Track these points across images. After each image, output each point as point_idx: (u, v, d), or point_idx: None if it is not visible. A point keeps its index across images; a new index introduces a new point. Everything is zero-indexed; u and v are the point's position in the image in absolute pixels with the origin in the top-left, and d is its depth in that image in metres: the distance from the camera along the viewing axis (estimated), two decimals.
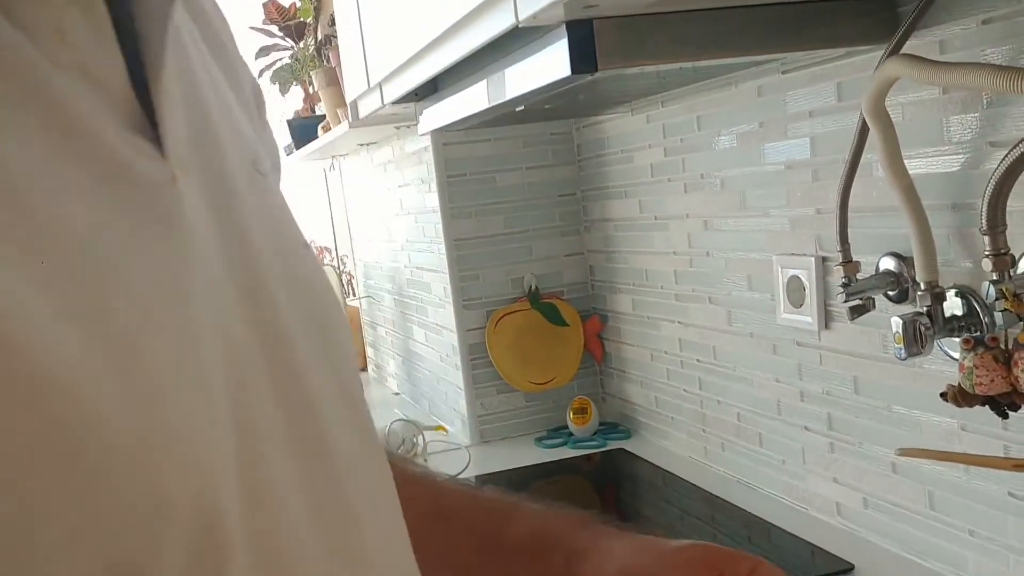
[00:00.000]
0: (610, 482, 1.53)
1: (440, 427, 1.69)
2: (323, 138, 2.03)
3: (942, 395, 0.93)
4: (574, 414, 1.66)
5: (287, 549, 0.34)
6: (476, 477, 1.54)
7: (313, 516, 0.36)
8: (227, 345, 0.34)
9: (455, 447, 1.66)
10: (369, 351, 2.52)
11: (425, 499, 0.53)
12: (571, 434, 1.68)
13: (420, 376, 2.05)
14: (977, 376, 0.88)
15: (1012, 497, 0.92)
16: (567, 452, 1.62)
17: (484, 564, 0.56)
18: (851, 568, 1.05)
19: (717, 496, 1.31)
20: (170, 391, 0.30)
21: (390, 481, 0.44)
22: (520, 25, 0.86)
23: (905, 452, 0.85)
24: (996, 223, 0.84)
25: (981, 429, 0.94)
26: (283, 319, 0.38)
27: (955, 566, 1.00)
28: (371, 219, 2.27)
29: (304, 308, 0.40)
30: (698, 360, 1.43)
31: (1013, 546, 0.93)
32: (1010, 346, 0.87)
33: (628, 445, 1.62)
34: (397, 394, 2.23)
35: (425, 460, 1.62)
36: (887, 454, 1.08)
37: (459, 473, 1.52)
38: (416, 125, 1.40)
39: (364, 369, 2.51)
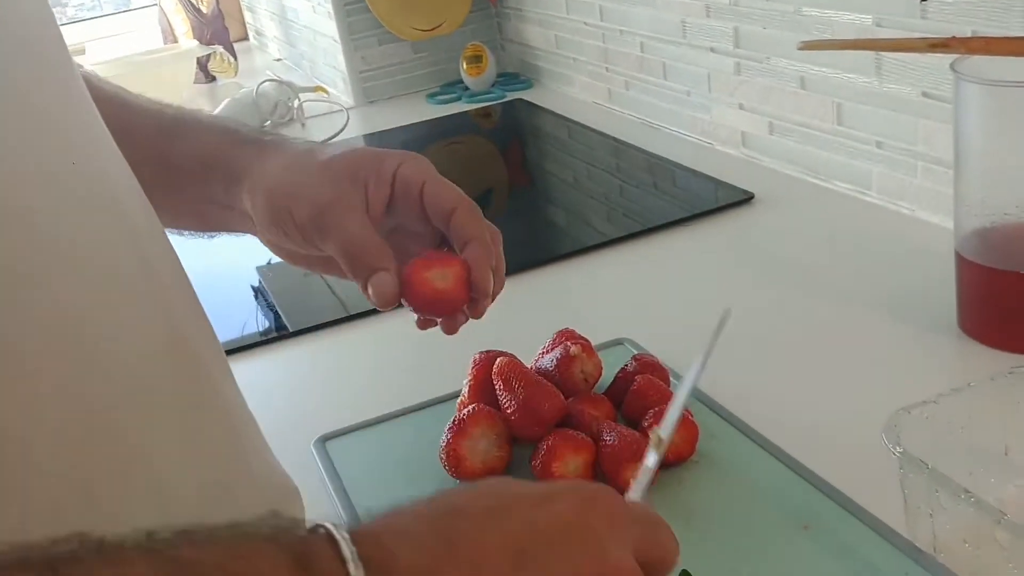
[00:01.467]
0: (511, 137, 1.41)
1: (319, 88, 1.53)
2: None
3: None
4: (468, 64, 1.50)
5: None
6: (363, 137, 1.41)
7: None
8: None
9: (336, 109, 1.51)
10: (247, 16, 2.27)
11: (112, 116, 0.46)
12: (466, 87, 1.53)
13: (297, 35, 1.84)
14: None
15: (926, 97, 0.82)
16: (463, 107, 1.48)
17: (156, 183, 0.50)
18: (751, 197, 0.96)
19: (622, 141, 1.21)
20: None
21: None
22: None
23: (809, 45, 0.72)
24: None
25: (898, 22, 0.81)
26: None
27: (858, 183, 0.92)
28: None
29: None
30: None
31: (921, 153, 0.84)
32: None
33: (528, 95, 1.48)
34: (279, 60, 2.03)
35: (303, 125, 1.47)
36: (795, 68, 0.96)
37: (335, 135, 1.38)
38: None
39: (244, 38, 2.27)
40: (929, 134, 0.82)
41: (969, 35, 0.73)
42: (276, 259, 1.02)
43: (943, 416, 0.50)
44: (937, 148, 0.82)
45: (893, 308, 0.71)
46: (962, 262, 0.65)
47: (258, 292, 0.95)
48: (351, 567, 0.27)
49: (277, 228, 0.51)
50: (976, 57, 0.62)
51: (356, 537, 0.28)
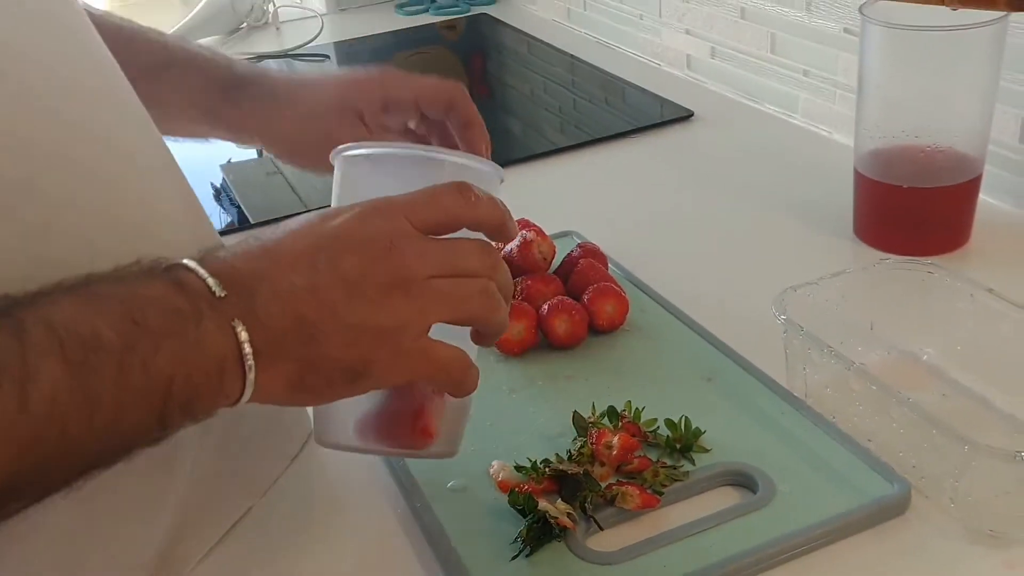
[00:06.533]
0: (474, 51, 1.49)
1: None
2: None
3: None
4: None
5: None
6: (334, 44, 1.47)
7: None
8: None
9: (310, 15, 1.57)
10: None
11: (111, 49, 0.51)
12: (433, 0, 1.60)
13: None
14: None
15: (847, 33, 0.92)
16: (430, 19, 1.56)
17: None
18: (690, 114, 1.07)
19: (578, 58, 1.30)
20: None
21: None
22: None
23: None
24: None
25: None
26: None
27: (786, 107, 1.03)
28: None
29: None
30: None
31: (840, 82, 0.95)
32: None
33: (492, 10, 1.56)
34: None
35: (277, 29, 1.53)
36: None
37: (310, 41, 1.45)
38: None
39: None
40: (848, 66, 0.93)
41: None
42: (238, 157, 1.10)
43: (822, 295, 0.62)
44: (854, 79, 0.92)
45: (802, 214, 0.83)
46: (858, 176, 0.77)
47: (220, 190, 1.01)
48: (208, 280, 0.39)
49: (296, 165, 0.63)
50: (884, 2, 0.73)
51: (204, 261, 0.40)
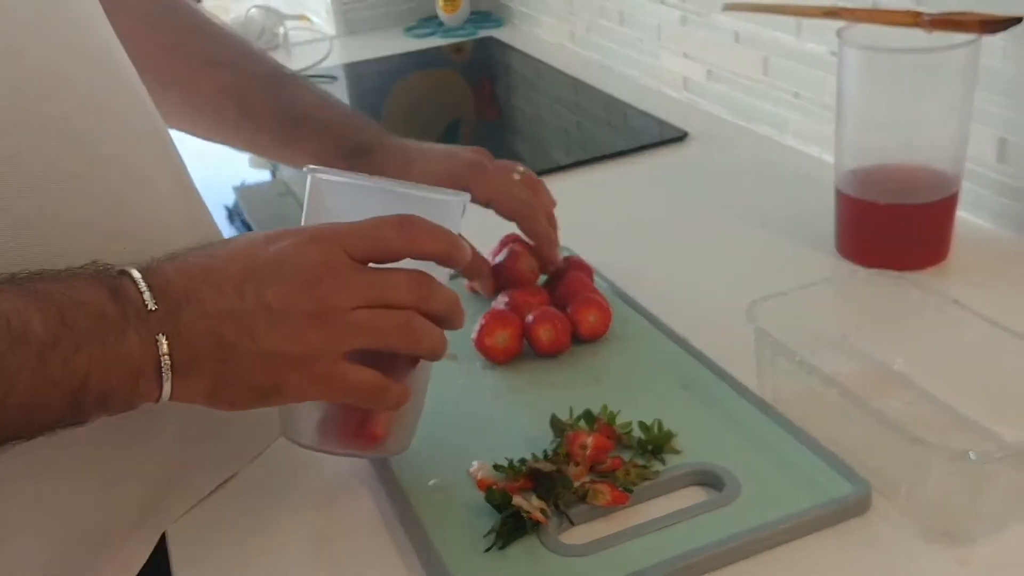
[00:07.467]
0: (482, 73, 1.53)
1: (303, 16, 1.63)
2: None
3: None
4: (444, 2, 1.61)
5: None
6: (343, 66, 1.52)
7: None
8: None
9: (320, 37, 1.61)
10: None
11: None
12: (441, 23, 1.64)
13: None
14: None
15: (834, 56, 0.95)
16: (437, 41, 1.59)
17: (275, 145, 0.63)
18: (684, 135, 1.09)
19: (581, 80, 1.33)
20: None
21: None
22: None
23: (732, 6, 0.85)
24: None
25: None
26: None
27: (778, 128, 1.06)
28: None
29: None
30: None
31: (829, 104, 0.97)
32: None
33: (499, 33, 1.59)
34: None
35: (288, 51, 1.58)
36: (731, 23, 1.09)
37: (319, 62, 1.49)
38: None
39: None
40: (835, 88, 0.96)
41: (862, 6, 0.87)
42: (251, 179, 1.13)
43: (796, 307, 0.64)
44: None
45: (788, 231, 0.85)
46: (839, 194, 0.79)
47: (233, 211, 1.04)
48: (144, 293, 0.43)
49: None
50: (860, 25, 0.76)
51: (145, 272, 0.44)
